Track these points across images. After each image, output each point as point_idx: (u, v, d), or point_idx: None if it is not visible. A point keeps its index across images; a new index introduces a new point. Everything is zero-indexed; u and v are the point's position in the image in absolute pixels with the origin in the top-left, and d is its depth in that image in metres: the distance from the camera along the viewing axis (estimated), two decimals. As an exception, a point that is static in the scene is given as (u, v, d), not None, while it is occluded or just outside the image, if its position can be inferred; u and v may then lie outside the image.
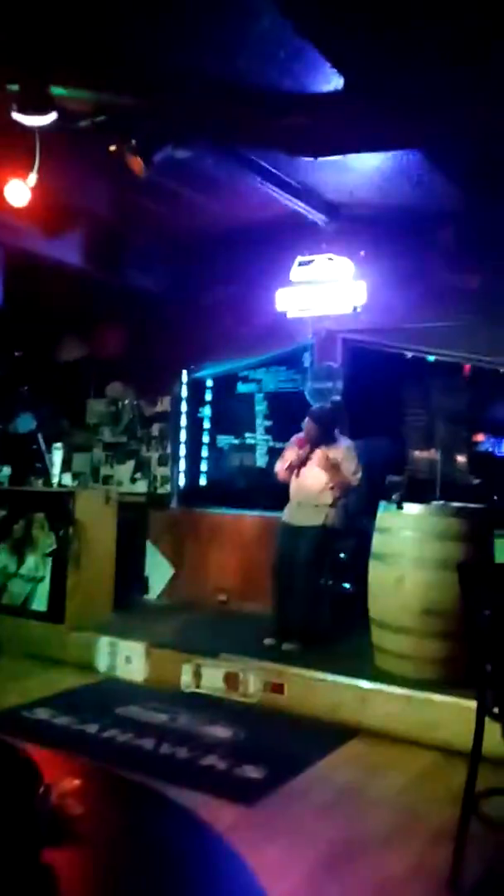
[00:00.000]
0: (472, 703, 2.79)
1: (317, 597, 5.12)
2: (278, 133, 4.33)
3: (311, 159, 4.72)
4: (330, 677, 4.44)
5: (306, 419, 5.33)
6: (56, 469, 6.07)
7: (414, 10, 3.29)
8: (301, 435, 5.33)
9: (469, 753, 2.76)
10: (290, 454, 5.32)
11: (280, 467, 5.36)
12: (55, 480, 6.07)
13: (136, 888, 1.23)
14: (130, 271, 6.47)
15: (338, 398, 5.84)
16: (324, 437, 5.24)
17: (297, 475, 5.26)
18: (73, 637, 5.48)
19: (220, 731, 4.15)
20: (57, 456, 6.11)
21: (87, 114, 4.23)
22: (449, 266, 5.60)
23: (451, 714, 3.86)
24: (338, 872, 2.81)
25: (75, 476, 7.13)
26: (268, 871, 2.58)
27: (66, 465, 6.35)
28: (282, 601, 5.11)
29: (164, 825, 1.53)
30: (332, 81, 3.88)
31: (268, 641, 5.01)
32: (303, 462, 5.24)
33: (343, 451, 5.23)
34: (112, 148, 4.42)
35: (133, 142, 4.39)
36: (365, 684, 4.32)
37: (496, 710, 2.63)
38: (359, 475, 5.17)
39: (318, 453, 5.19)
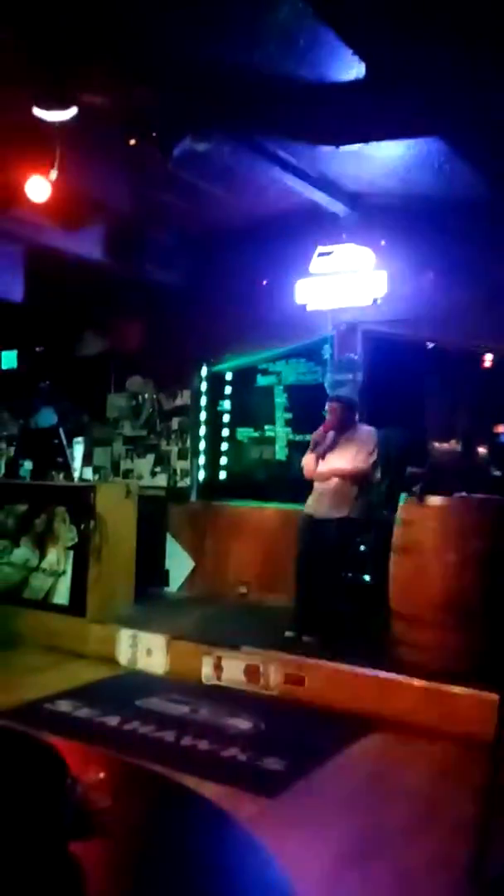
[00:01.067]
0: (493, 696, 2.79)
1: (338, 589, 5.11)
2: (299, 123, 4.31)
3: (333, 149, 4.69)
4: (350, 669, 4.43)
5: (329, 404, 5.32)
6: (77, 463, 6.11)
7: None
8: (323, 427, 5.30)
9: (489, 745, 2.75)
10: (316, 439, 5.29)
11: (307, 458, 5.32)
12: (76, 475, 6.11)
13: (161, 880, 1.24)
14: (150, 265, 6.48)
15: (347, 387, 5.82)
16: (348, 421, 5.24)
17: (323, 460, 5.24)
18: (95, 630, 5.52)
19: (241, 723, 4.17)
20: (78, 450, 6.16)
21: (108, 108, 4.24)
22: (469, 256, 5.56)
23: (472, 706, 3.84)
24: (359, 864, 2.81)
25: (96, 470, 7.18)
26: (290, 862, 2.58)
27: (87, 460, 6.40)
28: (303, 593, 5.11)
29: (189, 817, 1.54)
30: (354, 69, 3.85)
31: (289, 634, 5.02)
32: (327, 449, 5.22)
33: (361, 436, 5.21)
34: (132, 141, 4.42)
35: (153, 135, 4.39)
36: (385, 676, 4.31)
37: (519, 703, 2.62)
38: (372, 460, 5.12)
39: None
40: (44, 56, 3.84)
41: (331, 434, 5.23)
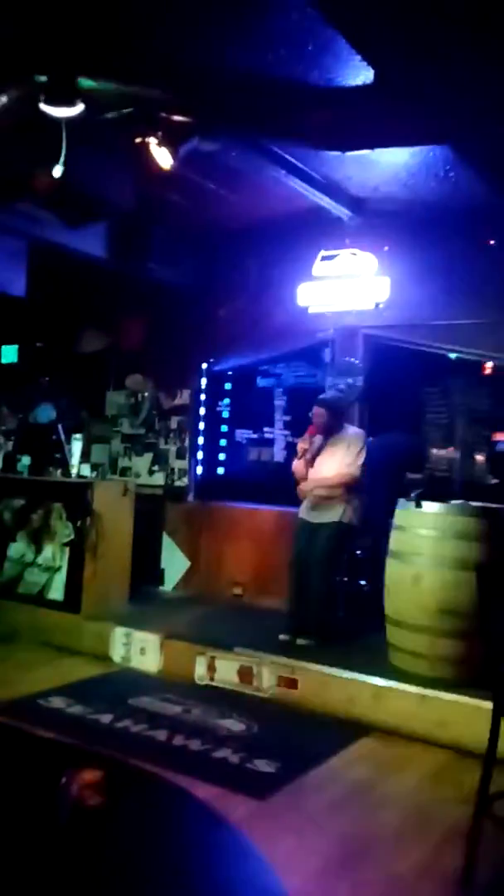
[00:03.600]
0: (487, 704, 2.79)
1: (331, 594, 5.11)
2: (306, 127, 4.31)
3: (338, 153, 4.69)
4: (344, 674, 4.43)
5: (315, 409, 5.22)
6: (75, 460, 6.11)
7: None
8: (307, 432, 5.29)
9: (482, 754, 2.76)
10: (303, 447, 5.27)
11: (297, 465, 5.30)
12: (74, 471, 6.11)
13: (155, 879, 1.24)
14: (153, 264, 6.48)
15: (342, 387, 5.80)
16: (334, 425, 5.20)
17: (311, 466, 5.22)
18: (89, 627, 5.52)
19: (234, 725, 4.17)
20: (76, 447, 6.15)
21: (114, 106, 4.24)
22: (472, 263, 5.57)
23: (465, 714, 3.85)
24: (349, 869, 2.81)
25: (94, 467, 7.18)
26: (279, 865, 2.59)
27: (85, 457, 6.39)
28: (297, 597, 5.11)
29: (183, 817, 1.54)
30: (362, 75, 3.86)
31: (283, 637, 5.02)
32: (316, 454, 5.20)
33: (348, 439, 5.18)
34: (138, 140, 4.42)
35: (160, 134, 4.39)
36: (379, 681, 4.31)
37: (512, 711, 2.63)
38: (359, 462, 5.05)
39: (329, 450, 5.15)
40: (51, 53, 3.84)
41: (318, 438, 5.18)
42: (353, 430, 5.29)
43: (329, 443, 5.18)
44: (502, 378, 5.75)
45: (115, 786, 1.59)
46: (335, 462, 5.13)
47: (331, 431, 5.19)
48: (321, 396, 5.42)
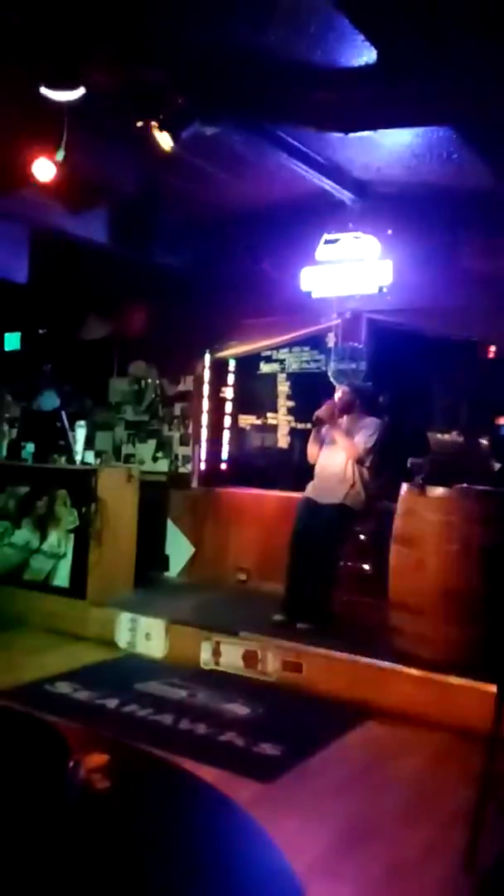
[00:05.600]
0: (490, 686, 2.80)
1: (331, 576, 5.12)
2: (309, 108, 4.27)
3: (341, 135, 4.65)
4: (348, 657, 4.45)
5: (341, 387, 5.41)
6: (79, 447, 6.11)
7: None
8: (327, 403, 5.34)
9: (485, 735, 2.77)
10: (324, 411, 5.31)
11: (311, 448, 5.35)
12: (78, 458, 6.11)
13: (162, 862, 1.25)
14: (156, 249, 6.45)
15: (368, 383, 5.83)
16: (351, 407, 5.28)
17: (321, 450, 5.26)
18: (94, 613, 5.54)
19: (239, 709, 4.19)
20: (80, 434, 6.15)
21: (116, 89, 4.20)
22: (476, 246, 5.53)
23: (469, 696, 3.86)
24: (353, 850, 2.83)
25: (98, 454, 7.16)
26: (284, 847, 2.61)
27: (89, 443, 6.38)
28: (294, 576, 5.11)
29: (191, 801, 1.55)
30: (364, 55, 3.82)
31: (277, 617, 5.02)
32: (327, 432, 5.27)
33: (365, 423, 5.23)
34: (139, 123, 4.39)
35: (161, 117, 4.35)
36: (384, 664, 4.33)
37: (517, 694, 2.63)
38: (369, 444, 5.13)
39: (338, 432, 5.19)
40: (52, 36, 3.81)
41: (330, 405, 5.28)
42: (369, 419, 5.33)
43: (345, 423, 5.24)
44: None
45: (122, 769, 1.60)
46: (343, 452, 5.18)
47: (347, 411, 5.28)
48: (349, 379, 5.64)
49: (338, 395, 5.37)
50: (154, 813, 1.40)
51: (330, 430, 5.28)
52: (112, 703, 4.21)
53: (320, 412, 5.28)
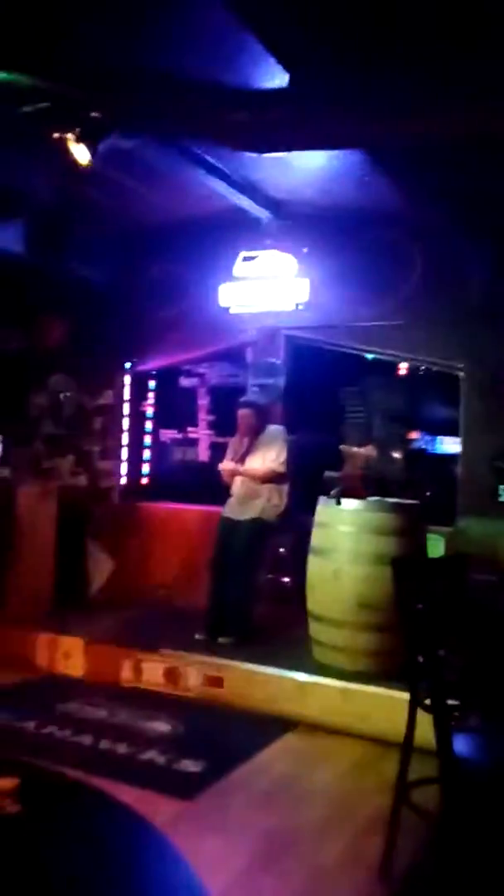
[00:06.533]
0: (405, 695, 2.87)
1: (250, 591, 5.15)
2: (222, 128, 4.31)
3: (256, 155, 4.73)
4: (268, 670, 4.49)
5: (240, 412, 5.36)
6: (-6, 462, 5.96)
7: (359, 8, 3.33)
8: (238, 434, 5.36)
9: (401, 744, 2.84)
10: (236, 448, 5.34)
11: (225, 465, 5.36)
12: (-7, 474, 5.97)
13: (73, 884, 1.24)
14: (74, 261, 6.38)
15: (255, 388, 5.91)
16: (260, 424, 5.31)
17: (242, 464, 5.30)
18: (11, 633, 5.40)
19: (160, 726, 4.16)
20: (-5, 448, 6.00)
21: (31, 100, 4.16)
22: (389, 266, 5.71)
23: (385, 706, 3.94)
24: (273, 863, 2.86)
25: (14, 469, 7.01)
26: (205, 863, 2.61)
27: (5, 458, 6.24)
28: (216, 595, 5.13)
29: (101, 822, 1.54)
30: (277, 77, 3.90)
31: (198, 636, 5.02)
32: (245, 454, 5.27)
33: (270, 436, 5.28)
34: (56, 136, 4.35)
35: (77, 130, 4.33)
36: (302, 677, 4.38)
37: (427, 701, 2.71)
38: (282, 458, 5.18)
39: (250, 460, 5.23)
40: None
41: (245, 440, 5.29)
42: (273, 428, 5.39)
43: (256, 443, 5.26)
44: (416, 378, 5.93)
45: (34, 793, 1.58)
46: (258, 462, 5.22)
47: (257, 431, 5.28)
48: (244, 399, 5.50)
49: (240, 419, 5.35)
50: (65, 835, 1.39)
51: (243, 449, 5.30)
52: (30, 725, 4.11)
53: (235, 444, 5.32)
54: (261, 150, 4.55)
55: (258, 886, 2.73)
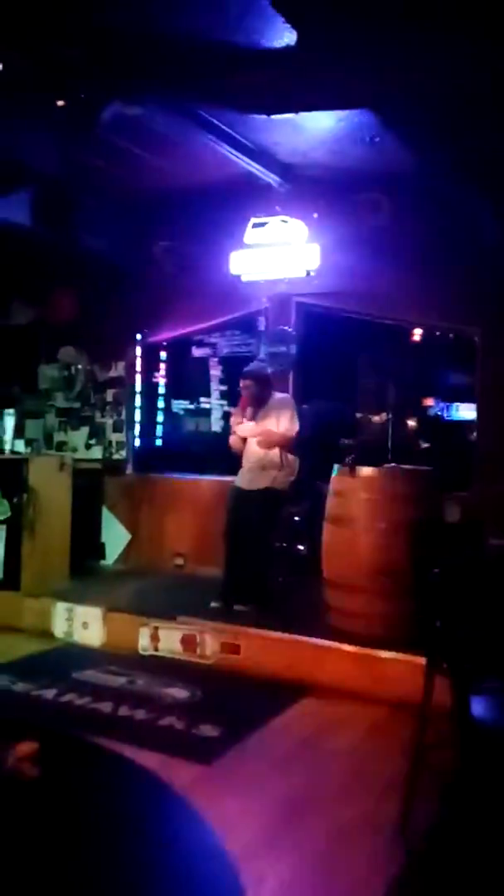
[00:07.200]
0: (421, 660, 2.88)
1: (266, 560, 5.16)
2: (230, 90, 4.25)
3: (265, 118, 4.65)
4: (284, 636, 4.52)
5: (242, 381, 5.26)
6: (8, 436, 6.00)
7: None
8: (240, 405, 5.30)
9: (418, 707, 2.85)
10: (236, 421, 5.29)
11: (233, 440, 5.32)
12: (7, 447, 6.00)
13: (96, 847, 1.26)
14: (82, 232, 6.33)
15: (263, 357, 5.83)
16: (263, 394, 5.22)
17: (245, 439, 5.26)
18: (30, 604, 5.46)
19: (178, 693, 4.21)
20: (8, 422, 6.03)
21: (32, 67, 4.09)
22: (400, 230, 5.62)
23: (402, 670, 3.97)
24: (292, 824, 2.89)
25: (28, 443, 7.04)
26: (226, 824, 2.65)
27: (19, 432, 6.27)
28: (230, 564, 5.15)
29: (122, 786, 1.56)
30: (285, 37, 3.82)
31: (214, 604, 5.06)
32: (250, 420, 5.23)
33: (277, 405, 5.21)
34: (60, 103, 4.29)
35: (81, 96, 4.26)
36: (318, 642, 4.41)
37: (444, 665, 2.72)
38: (295, 425, 5.12)
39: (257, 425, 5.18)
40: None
41: (249, 411, 5.21)
42: (280, 396, 5.34)
43: (261, 412, 5.21)
44: (430, 344, 5.86)
45: (53, 757, 1.59)
46: (275, 427, 5.16)
47: (261, 401, 5.22)
48: (246, 368, 5.44)
49: (242, 390, 5.24)
50: (84, 798, 1.40)
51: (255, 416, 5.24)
52: (50, 693, 4.17)
53: (236, 417, 5.24)
54: (269, 112, 4.48)
55: (277, 846, 2.76)
